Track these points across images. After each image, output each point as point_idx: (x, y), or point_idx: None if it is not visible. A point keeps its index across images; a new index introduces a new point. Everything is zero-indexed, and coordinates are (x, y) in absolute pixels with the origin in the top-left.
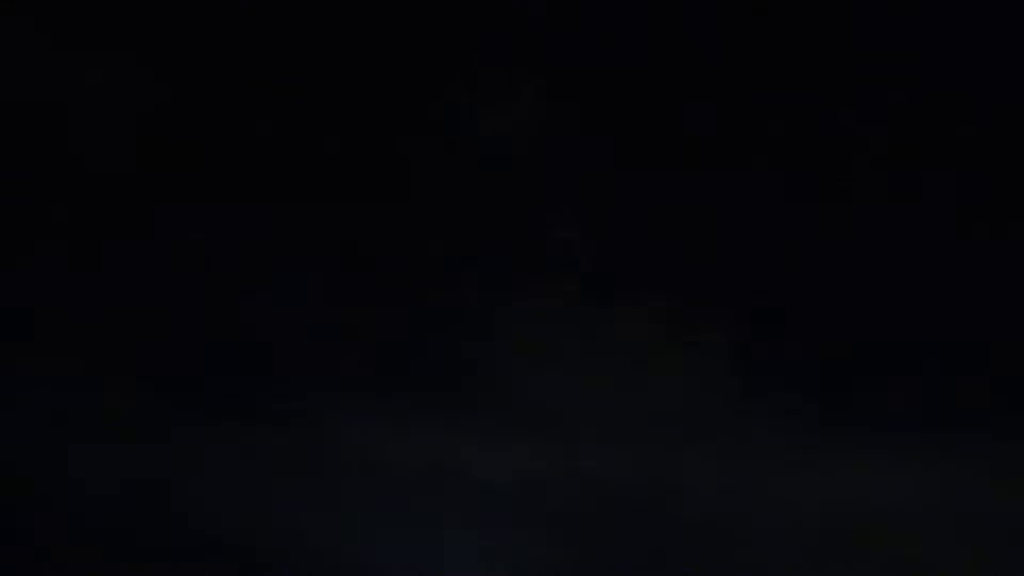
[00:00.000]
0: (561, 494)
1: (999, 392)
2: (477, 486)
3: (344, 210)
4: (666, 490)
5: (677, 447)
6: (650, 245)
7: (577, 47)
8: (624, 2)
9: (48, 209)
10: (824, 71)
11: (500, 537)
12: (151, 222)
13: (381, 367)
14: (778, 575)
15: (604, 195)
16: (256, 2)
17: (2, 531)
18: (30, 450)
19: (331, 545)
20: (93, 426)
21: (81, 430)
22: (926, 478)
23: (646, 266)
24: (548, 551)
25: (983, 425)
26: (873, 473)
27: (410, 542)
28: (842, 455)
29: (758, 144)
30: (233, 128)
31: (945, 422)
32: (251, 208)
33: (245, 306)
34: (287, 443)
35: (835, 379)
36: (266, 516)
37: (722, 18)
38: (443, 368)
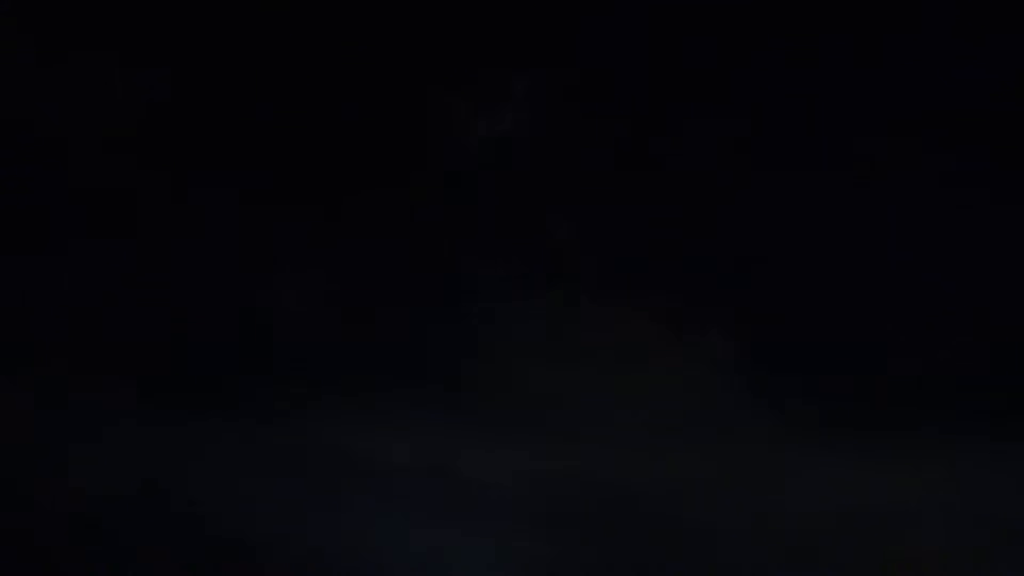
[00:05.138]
0: (561, 494)
1: (1000, 392)
2: (477, 486)
3: (343, 210)
4: (666, 490)
5: (677, 447)
6: (650, 245)
7: (576, 47)
8: (623, 2)
9: (49, 210)
10: (824, 72)
11: (500, 537)
12: (151, 223)
13: (381, 367)
14: (778, 575)
15: (604, 195)
16: (254, 3)
17: (2, 531)
18: (30, 450)
19: (331, 545)
20: (93, 426)
21: (81, 430)
22: (926, 478)
23: (646, 266)
24: (548, 551)
25: (984, 425)
26: (873, 473)
27: (410, 542)
28: (842, 455)
29: (758, 144)
30: (232, 129)
31: (945, 422)
32: (250, 208)
33: (245, 306)
34: (287, 443)
35: (835, 379)
36: (266, 516)
37: (721, 18)
38: (443, 368)
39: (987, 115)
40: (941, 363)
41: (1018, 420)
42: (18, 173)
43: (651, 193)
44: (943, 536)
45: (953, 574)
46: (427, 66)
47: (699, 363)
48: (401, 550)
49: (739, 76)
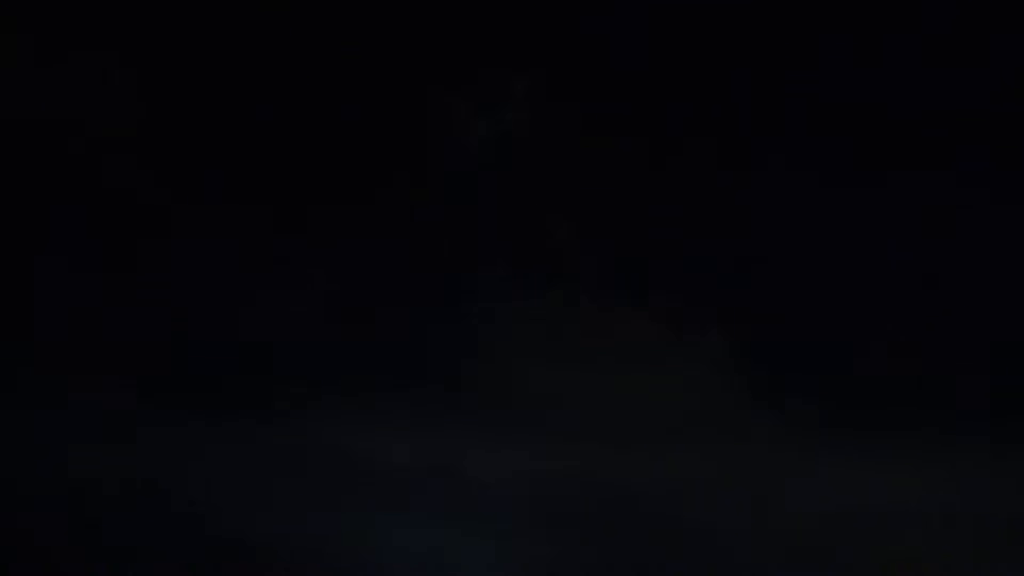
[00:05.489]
0: (561, 494)
1: (999, 393)
2: (477, 486)
3: (343, 211)
4: (666, 490)
5: (677, 447)
6: (650, 245)
7: (575, 48)
8: (622, 4)
9: (49, 212)
10: (824, 72)
11: (500, 537)
12: (151, 224)
13: (381, 367)
14: (778, 575)
15: (604, 195)
16: (255, 5)
17: (2, 531)
18: (30, 450)
19: (331, 545)
20: (93, 426)
21: (81, 430)
22: (926, 478)
23: (646, 266)
24: (548, 551)
25: (984, 425)
26: (873, 473)
27: (410, 542)
28: (842, 455)
29: (757, 144)
30: (232, 131)
31: (945, 422)
32: (251, 209)
33: (245, 307)
34: (287, 443)
35: (835, 379)
36: (266, 516)
37: (721, 19)
38: (443, 368)
39: (987, 115)
40: (941, 363)
41: (1018, 420)
42: (18, 173)
43: (651, 193)
44: (943, 536)
45: (953, 574)
46: (427, 66)
47: (699, 363)
48: (401, 550)
49: (739, 76)
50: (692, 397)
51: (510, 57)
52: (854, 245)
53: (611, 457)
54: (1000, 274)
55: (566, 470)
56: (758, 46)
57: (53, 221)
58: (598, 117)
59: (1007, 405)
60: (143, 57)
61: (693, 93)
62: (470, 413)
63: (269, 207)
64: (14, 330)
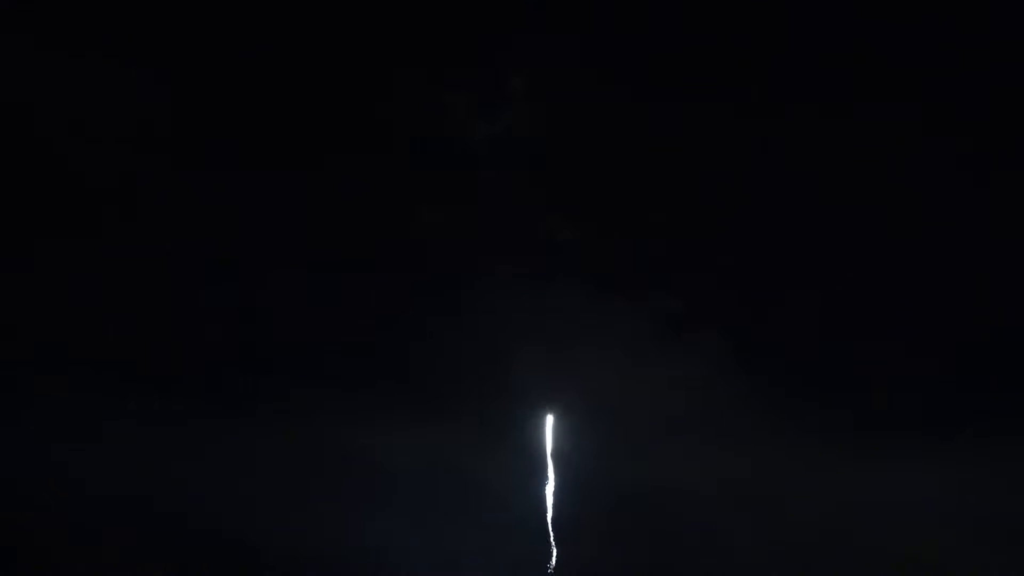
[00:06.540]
0: (561, 494)
1: (1001, 393)
2: (476, 486)
3: (343, 210)
4: (666, 490)
5: (677, 447)
6: (650, 245)
7: (576, 47)
8: (623, 3)
9: (48, 210)
10: (825, 74)
11: (500, 537)
12: (151, 224)
13: (381, 367)
14: (778, 575)
15: (604, 195)
16: (256, 4)
17: (2, 531)
18: (30, 450)
19: (331, 545)
20: (93, 426)
21: (81, 430)
22: (926, 478)
23: (646, 266)
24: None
25: (984, 425)
26: (874, 473)
27: (410, 542)
28: (842, 455)
29: (758, 144)
30: (230, 130)
31: (945, 422)
32: (251, 210)
33: (245, 308)
34: (287, 443)
35: (835, 379)
36: (266, 515)
37: (722, 20)
38: (444, 368)
39: (987, 114)
40: (941, 363)
41: (1018, 420)
42: (18, 173)
43: (651, 193)
44: (943, 536)
45: (953, 574)
46: (426, 66)
47: (699, 363)
48: (401, 550)
49: (740, 78)
50: (692, 397)
51: (510, 57)
52: (855, 246)
53: (611, 457)
54: (1002, 274)
55: (566, 470)
56: (757, 46)
57: (52, 221)
58: (598, 117)
59: (1007, 406)
60: (144, 57)
61: (695, 94)
62: (470, 413)
63: (268, 207)
64: (15, 330)
